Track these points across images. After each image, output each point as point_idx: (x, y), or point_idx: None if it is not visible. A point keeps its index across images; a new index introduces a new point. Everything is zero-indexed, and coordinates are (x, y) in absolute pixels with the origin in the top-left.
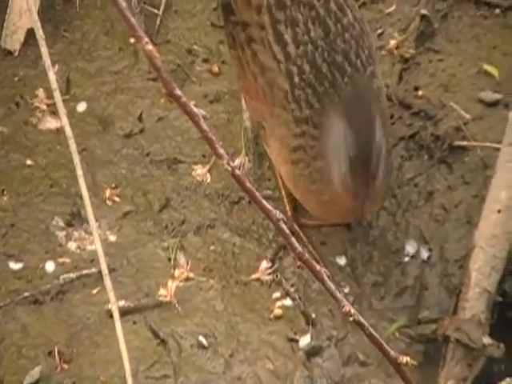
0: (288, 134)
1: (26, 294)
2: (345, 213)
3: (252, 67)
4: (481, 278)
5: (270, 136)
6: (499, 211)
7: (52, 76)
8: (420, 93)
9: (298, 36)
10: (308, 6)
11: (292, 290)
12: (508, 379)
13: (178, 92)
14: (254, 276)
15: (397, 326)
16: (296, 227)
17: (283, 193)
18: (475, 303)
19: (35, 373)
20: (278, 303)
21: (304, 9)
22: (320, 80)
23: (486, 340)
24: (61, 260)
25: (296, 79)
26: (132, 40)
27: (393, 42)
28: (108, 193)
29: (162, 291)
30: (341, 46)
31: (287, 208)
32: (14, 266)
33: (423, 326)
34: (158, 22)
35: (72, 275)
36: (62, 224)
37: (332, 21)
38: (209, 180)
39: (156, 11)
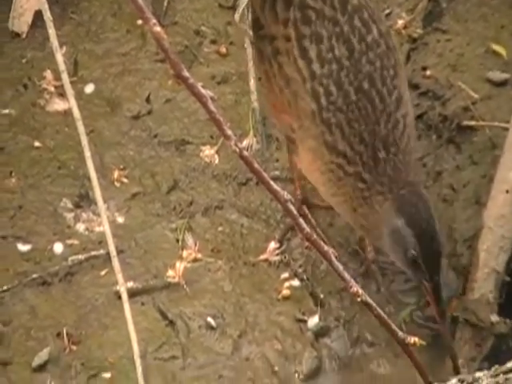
0: (320, 150)
1: (35, 276)
2: None
3: (278, 80)
4: (489, 258)
5: (301, 147)
6: (507, 191)
7: (60, 58)
8: (428, 73)
9: (322, 53)
10: (332, 22)
11: (300, 270)
12: None
13: (186, 73)
14: (262, 257)
15: (409, 310)
16: (305, 209)
17: (295, 174)
18: (483, 283)
19: (44, 354)
20: (286, 284)
21: (328, 24)
22: (350, 107)
23: (494, 318)
24: (69, 242)
25: (323, 100)
26: (140, 22)
27: (401, 22)
28: (116, 174)
29: (170, 272)
30: (366, 68)
31: (297, 191)
32: (23, 247)
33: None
34: (165, 4)
35: (80, 257)
36: (70, 206)
37: (356, 38)
38: (217, 161)
39: None
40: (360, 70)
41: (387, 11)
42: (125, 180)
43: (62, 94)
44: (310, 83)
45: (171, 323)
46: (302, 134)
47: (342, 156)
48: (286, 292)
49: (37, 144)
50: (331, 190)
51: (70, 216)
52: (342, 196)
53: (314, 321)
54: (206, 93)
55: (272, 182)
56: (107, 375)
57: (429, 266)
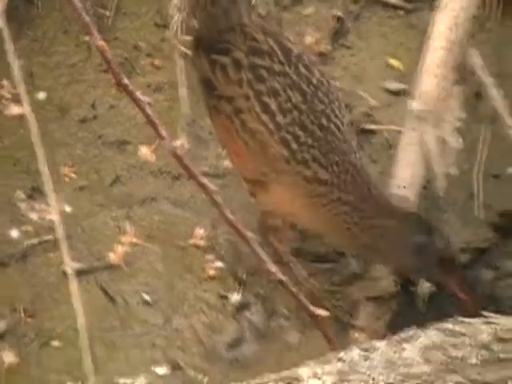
0: (301, 185)
1: None
2: None
3: (242, 134)
4: None
5: (277, 187)
6: (404, 187)
7: (16, 69)
8: (336, 84)
9: (281, 105)
10: (283, 75)
11: (224, 253)
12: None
13: (126, 82)
14: (191, 241)
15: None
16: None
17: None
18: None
19: (2, 325)
20: (212, 265)
21: (280, 77)
22: (320, 142)
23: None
24: (24, 228)
25: (294, 145)
26: (86, 37)
27: (312, 39)
28: (65, 170)
29: (111, 255)
30: (319, 107)
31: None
32: None
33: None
34: (108, 22)
35: (34, 241)
36: (24, 197)
37: (305, 84)
38: (153, 159)
39: (107, 13)
40: (315, 109)
41: (299, 30)
42: (73, 175)
43: (17, 101)
44: (278, 134)
45: (112, 299)
46: (276, 175)
47: (324, 184)
48: (211, 272)
49: None
50: (316, 218)
51: (24, 206)
52: (329, 222)
53: (235, 297)
54: (144, 99)
55: (200, 176)
56: (56, 343)
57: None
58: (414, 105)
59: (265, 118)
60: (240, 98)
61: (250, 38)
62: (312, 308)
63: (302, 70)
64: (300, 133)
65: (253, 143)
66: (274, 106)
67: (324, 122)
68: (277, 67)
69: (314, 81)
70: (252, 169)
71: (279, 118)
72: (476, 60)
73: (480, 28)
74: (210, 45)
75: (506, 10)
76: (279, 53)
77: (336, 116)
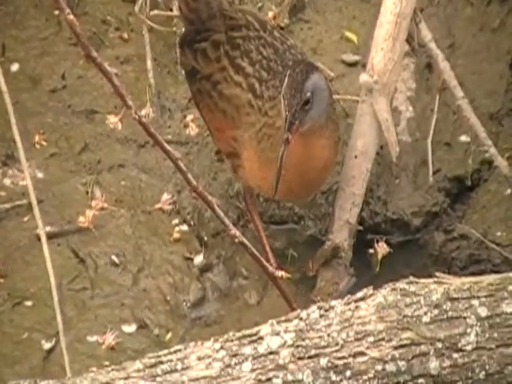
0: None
1: None
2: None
3: (220, 104)
4: (342, 213)
5: (244, 151)
6: (356, 157)
7: None
8: None
9: (253, 59)
10: (257, 38)
11: (188, 217)
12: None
13: (95, 54)
14: (157, 206)
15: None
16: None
17: (267, 247)
18: (339, 234)
19: None
20: (177, 228)
21: (254, 41)
22: (278, 75)
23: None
24: None
25: (257, 86)
26: (56, 12)
27: (271, 14)
28: (37, 138)
29: (81, 219)
30: (289, 57)
31: (271, 260)
32: None
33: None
34: None
35: (7, 206)
36: None
37: (278, 42)
38: (120, 127)
39: None
40: (285, 58)
41: (259, 5)
42: (44, 143)
43: None
44: (245, 82)
45: (82, 261)
46: (242, 135)
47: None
48: (176, 235)
49: None
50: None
51: None
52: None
53: (199, 259)
54: (111, 70)
55: (165, 144)
56: (29, 303)
57: None
58: (364, 77)
59: (237, 78)
60: (217, 71)
61: (228, 17)
62: (271, 269)
63: (277, 34)
64: (264, 74)
65: (230, 109)
66: (245, 64)
67: (290, 63)
68: (252, 34)
69: (288, 43)
70: (228, 138)
71: (248, 69)
72: (425, 33)
73: (429, 2)
74: (193, 39)
75: None
76: (256, 24)
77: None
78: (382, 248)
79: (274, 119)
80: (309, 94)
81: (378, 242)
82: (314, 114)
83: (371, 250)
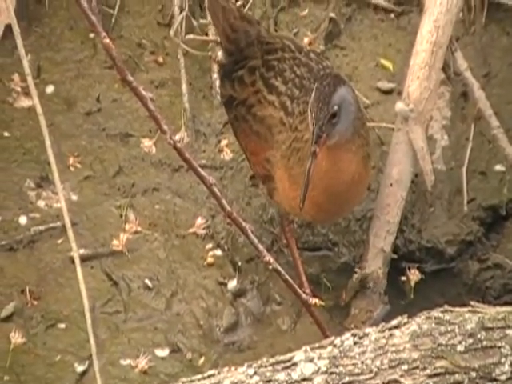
0: (285, 148)
1: (3, 243)
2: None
3: (255, 127)
4: (377, 240)
5: (276, 171)
6: (391, 185)
7: (25, 63)
8: None
9: (286, 78)
10: (292, 59)
11: (222, 242)
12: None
13: (130, 78)
14: (191, 230)
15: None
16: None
17: (302, 274)
18: (373, 262)
19: (10, 307)
20: (211, 253)
21: (289, 61)
22: (309, 92)
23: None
24: (32, 215)
25: (288, 103)
26: (92, 35)
27: (306, 40)
28: (71, 160)
29: (114, 242)
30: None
31: (306, 287)
32: None
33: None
34: (113, 20)
35: (41, 227)
36: (32, 185)
37: (314, 63)
38: (154, 151)
39: (111, 11)
40: (318, 77)
41: (295, 30)
42: (78, 165)
43: (27, 93)
44: (278, 100)
45: (115, 284)
46: (275, 154)
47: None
48: (210, 260)
49: (6, 134)
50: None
51: (32, 194)
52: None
53: (232, 283)
54: (146, 94)
55: (199, 169)
56: (62, 326)
57: None
58: (400, 105)
59: (270, 97)
60: (252, 95)
61: (265, 43)
62: (305, 296)
63: (313, 56)
64: (296, 91)
65: (263, 130)
66: (278, 83)
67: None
68: (287, 55)
69: (324, 64)
70: (261, 161)
71: (281, 88)
72: (461, 62)
73: (465, 31)
74: (231, 69)
75: (489, 15)
76: (292, 46)
77: None
78: (414, 275)
79: (303, 133)
80: (336, 108)
81: (410, 269)
82: (340, 128)
83: (404, 278)
